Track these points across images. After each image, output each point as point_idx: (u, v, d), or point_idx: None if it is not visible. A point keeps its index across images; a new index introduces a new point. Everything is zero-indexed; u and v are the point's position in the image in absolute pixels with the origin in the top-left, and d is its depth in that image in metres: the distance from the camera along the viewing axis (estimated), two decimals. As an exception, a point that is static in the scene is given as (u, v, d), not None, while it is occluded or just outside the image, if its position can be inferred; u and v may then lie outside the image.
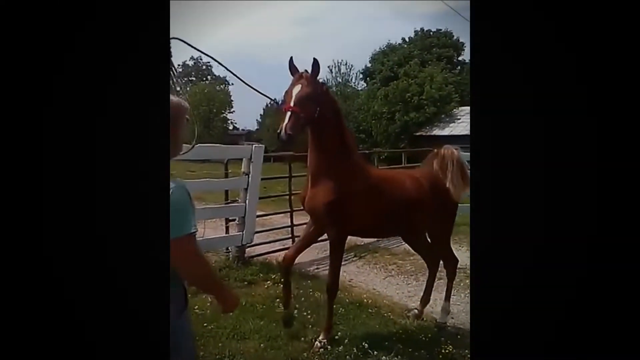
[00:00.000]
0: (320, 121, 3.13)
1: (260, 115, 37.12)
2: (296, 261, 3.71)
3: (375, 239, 6.82)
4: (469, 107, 27.22)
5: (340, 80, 35.23)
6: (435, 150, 4.03)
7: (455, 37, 32.36)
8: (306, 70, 3.13)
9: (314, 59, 3.06)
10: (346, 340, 3.46)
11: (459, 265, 5.44)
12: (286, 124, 2.92)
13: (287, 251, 3.68)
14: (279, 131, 2.93)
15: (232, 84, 41.53)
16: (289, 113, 2.95)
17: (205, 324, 3.62)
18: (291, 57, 3.13)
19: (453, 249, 4.14)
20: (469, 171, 3.91)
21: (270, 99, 3.53)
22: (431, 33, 32.45)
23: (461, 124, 24.97)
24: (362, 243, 6.85)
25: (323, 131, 3.18)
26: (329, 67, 35.45)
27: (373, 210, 3.36)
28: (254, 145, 5.46)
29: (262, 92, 3.58)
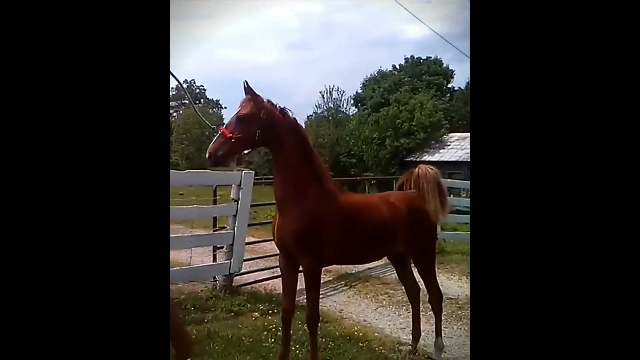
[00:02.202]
0: (275, 146, 3.13)
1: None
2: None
3: (366, 268, 6.72)
4: (458, 134, 27.66)
5: (332, 106, 35.59)
6: (410, 170, 3.88)
7: (445, 65, 32.97)
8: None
9: (244, 82, 3.07)
10: (336, 377, 3.33)
11: (450, 296, 5.35)
12: (211, 145, 2.99)
13: (282, 305, 3.50)
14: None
15: (225, 107, 41.77)
16: (217, 134, 3.01)
17: (188, 359, 3.47)
18: (245, 81, 3.09)
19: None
20: (447, 190, 3.82)
21: (211, 127, 3.52)
22: (421, 60, 33.09)
23: (451, 150, 25.19)
24: (353, 272, 6.74)
25: (285, 156, 3.14)
26: (320, 92, 35.96)
27: (347, 237, 3.26)
28: (243, 172, 5.39)
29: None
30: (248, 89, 3.08)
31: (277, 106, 3.16)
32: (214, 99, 46.38)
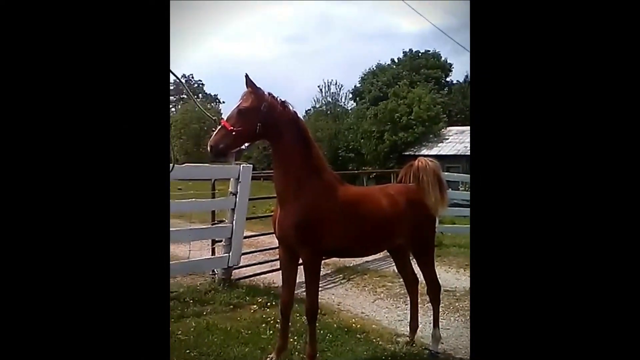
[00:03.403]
0: (275, 139, 3.14)
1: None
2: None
3: (364, 261, 6.75)
4: (456, 127, 27.60)
5: (330, 100, 35.50)
6: (410, 162, 3.88)
7: (443, 58, 32.88)
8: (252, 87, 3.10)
9: (245, 74, 3.07)
10: (333, 368, 3.36)
11: (447, 288, 5.39)
12: (212, 138, 2.98)
13: (281, 297, 3.51)
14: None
15: (224, 102, 41.63)
16: (218, 127, 3.01)
17: (187, 350, 3.50)
18: (246, 74, 3.09)
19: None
20: (446, 183, 3.83)
21: (212, 118, 3.50)
22: (419, 54, 32.98)
23: (449, 144, 25.18)
24: (351, 265, 6.78)
25: (285, 149, 3.15)
26: (319, 86, 35.81)
27: (347, 229, 3.27)
28: (241, 165, 5.40)
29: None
30: (249, 82, 3.08)
31: (278, 99, 3.17)
32: (212, 94, 46.31)
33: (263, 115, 3.03)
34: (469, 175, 14.19)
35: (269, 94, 3.13)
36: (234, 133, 2.96)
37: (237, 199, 5.35)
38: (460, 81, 33.98)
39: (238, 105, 3.07)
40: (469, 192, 13.00)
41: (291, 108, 3.22)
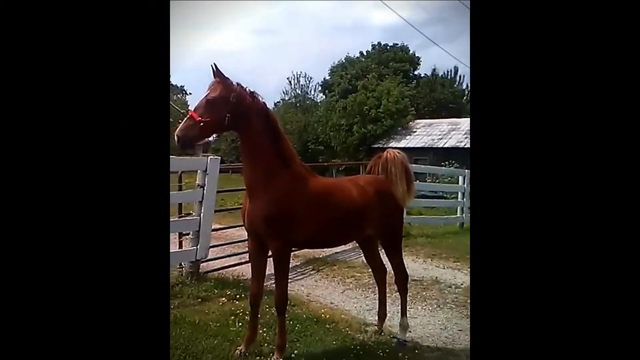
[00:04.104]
0: (243, 130, 3.10)
1: (218, 125, 36.61)
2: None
3: (333, 252, 6.79)
4: (424, 120, 28.00)
5: (300, 92, 35.38)
6: (379, 154, 3.92)
7: (411, 52, 33.23)
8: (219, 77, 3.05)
9: (213, 64, 3.02)
10: (303, 359, 3.37)
11: (415, 277, 5.49)
12: (179, 128, 2.91)
13: (251, 288, 3.49)
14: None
15: (190, 93, 40.82)
16: (186, 118, 2.95)
17: (155, 345, 3.44)
18: (214, 64, 3.03)
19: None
20: (413, 175, 3.89)
21: (180, 111, 3.42)
22: (388, 47, 33.22)
23: (417, 136, 25.56)
24: (320, 256, 6.80)
25: (254, 140, 3.12)
26: (288, 78, 35.64)
27: (317, 220, 3.28)
28: (209, 157, 5.31)
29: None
30: (217, 72, 3.02)
31: (247, 90, 3.12)
32: (179, 85, 45.34)
33: (232, 105, 2.98)
34: (436, 168, 14.50)
35: (238, 84, 3.08)
36: (202, 124, 2.89)
37: (205, 192, 5.27)
38: (428, 74, 34.49)
39: (206, 95, 3.00)
40: (435, 184, 13.28)
41: (260, 99, 3.18)
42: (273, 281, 3.38)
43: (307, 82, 35.37)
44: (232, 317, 4.08)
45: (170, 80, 47.13)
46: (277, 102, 36.08)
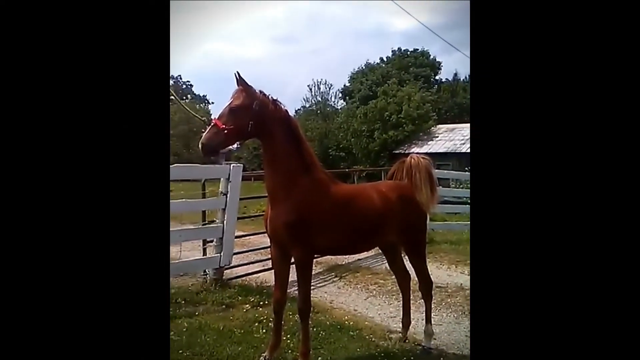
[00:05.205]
0: (266, 137, 3.12)
1: (240, 134, 37.05)
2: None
3: (356, 259, 6.76)
4: (446, 126, 27.74)
5: (320, 99, 35.51)
6: (402, 159, 3.89)
7: (432, 57, 33.04)
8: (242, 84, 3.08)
9: (236, 72, 3.05)
10: (327, 365, 3.36)
11: (439, 284, 5.41)
12: (204, 136, 2.96)
13: (274, 295, 3.50)
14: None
15: (213, 102, 41.44)
16: (210, 126, 2.99)
17: (180, 351, 3.48)
18: (237, 72, 3.07)
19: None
20: (437, 180, 3.84)
21: (201, 119, 3.46)
22: (408, 53, 33.12)
23: (439, 142, 25.32)
24: (343, 263, 6.78)
25: (276, 147, 3.14)
26: (308, 85, 35.86)
27: (339, 227, 3.27)
28: (232, 165, 5.37)
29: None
30: (240, 80, 3.06)
31: (269, 97, 3.16)
32: (201, 95, 46.12)
33: (255, 113, 3.02)
34: (459, 173, 14.32)
35: (260, 92, 3.12)
36: (225, 131, 2.94)
37: (228, 199, 5.32)
38: (449, 79, 34.22)
39: (229, 104, 3.05)
40: (459, 190, 13.11)
41: (282, 106, 3.21)
42: (296, 288, 3.39)
43: (328, 89, 35.53)
44: (256, 324, 4.09)
45: (193, 90, 48.01)
46: (298, 109, 36.32)
